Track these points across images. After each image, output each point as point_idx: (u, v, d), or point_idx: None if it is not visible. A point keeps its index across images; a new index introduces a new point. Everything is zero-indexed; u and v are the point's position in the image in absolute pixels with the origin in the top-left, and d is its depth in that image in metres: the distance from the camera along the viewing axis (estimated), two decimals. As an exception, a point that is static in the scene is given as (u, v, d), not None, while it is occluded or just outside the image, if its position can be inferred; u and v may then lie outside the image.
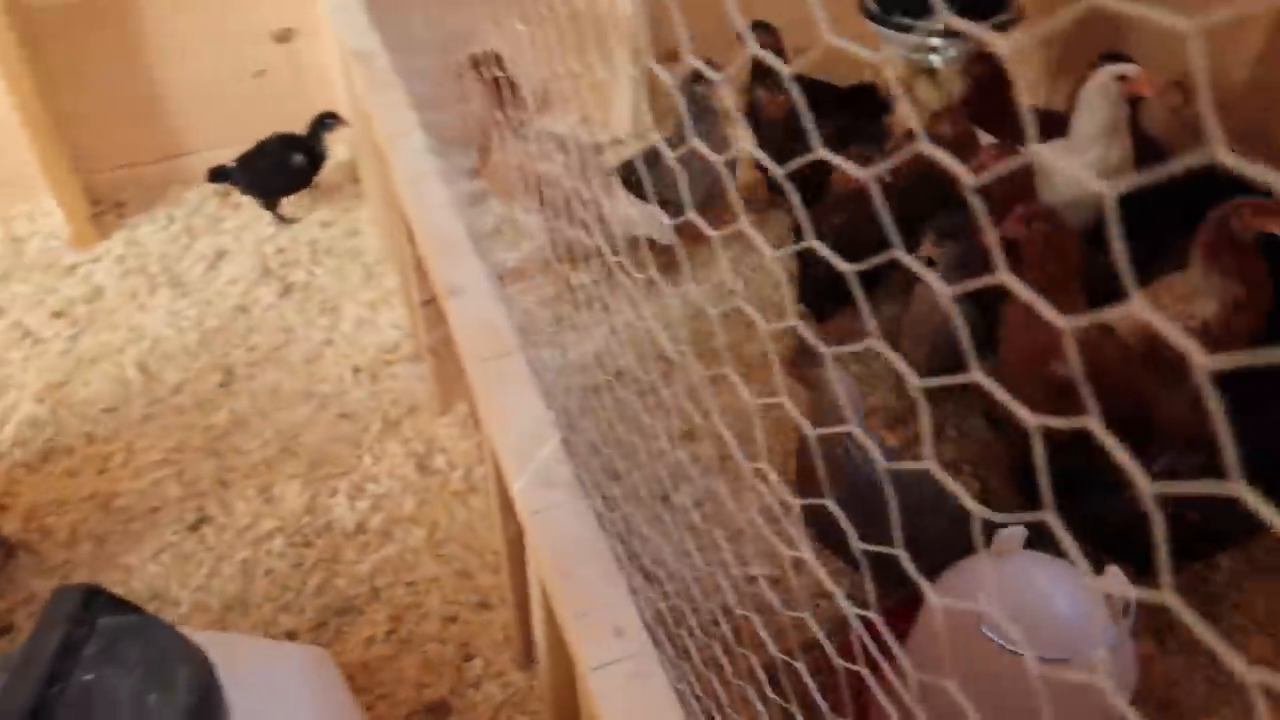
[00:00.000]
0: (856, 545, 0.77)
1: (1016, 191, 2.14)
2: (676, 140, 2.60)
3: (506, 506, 1.61)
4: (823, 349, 0.80)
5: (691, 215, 1.02)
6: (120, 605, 1.08)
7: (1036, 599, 1.44)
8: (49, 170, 2.86)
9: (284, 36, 3.14)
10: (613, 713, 1.09)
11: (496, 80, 2.50)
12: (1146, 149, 2.34)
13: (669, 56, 3.33)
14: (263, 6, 3.07)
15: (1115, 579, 1.40)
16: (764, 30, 2.72)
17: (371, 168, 2.77)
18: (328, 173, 3.16)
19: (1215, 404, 0.49)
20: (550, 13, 1.48)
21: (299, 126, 3.03)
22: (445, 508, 2.20)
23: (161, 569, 2.09)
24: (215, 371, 2.57)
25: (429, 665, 1.91)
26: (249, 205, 3.13)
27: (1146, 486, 0.49)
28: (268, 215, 3.07)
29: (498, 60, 2.47)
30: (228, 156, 3.09)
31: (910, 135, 2.60)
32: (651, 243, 2.50)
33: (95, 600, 1.05)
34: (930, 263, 1.98)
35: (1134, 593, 1.34)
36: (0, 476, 2.29)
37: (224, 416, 2.44)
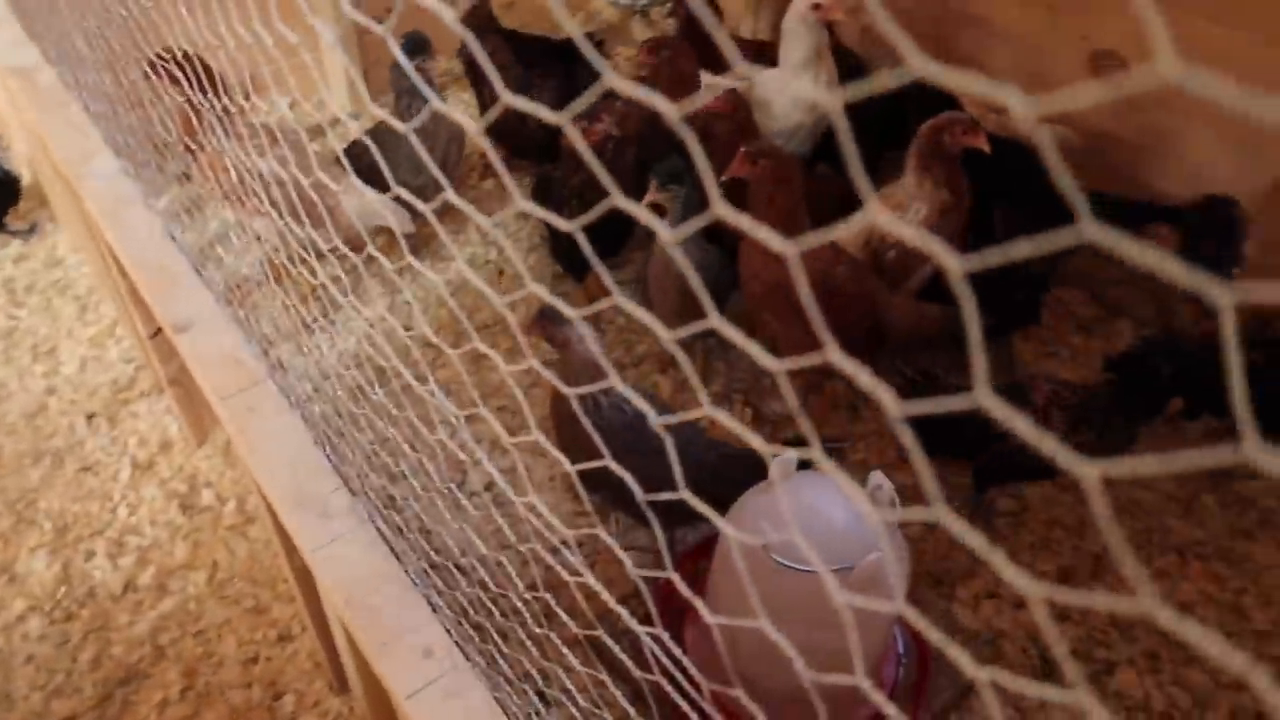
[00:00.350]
0: (641, 499, 0.77)
1: (737, 127, 2.22)
2: (398, 117, 2.49)
3: (286, 538, 1.54)
4: (567, 310, 0.79)
5: (400, 191, 0.94)
6: None
7: (815, 517, 1.54)
8: None
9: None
10: (435, 736, 1.08)
11: (189, 77, 2.29)
12: (851, 69, 2.49)
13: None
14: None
15: (878, 480, 1.52)
16: None
17: (60, 192, 2.48)
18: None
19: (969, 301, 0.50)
20: None
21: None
22: (223, 545, 2.06)
23: (-103, 686, 1.84)
24: (-84, 448, 2.26)
25: (236, 714, 1.81)
26: (-82, 250, 2.73)
27: (894, 408, 0.52)
28: (-56, 258, 2.69)
29: (186, 56, 2.26)
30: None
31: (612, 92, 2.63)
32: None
33: None
34: (659, 209, 2.00)
35: (892, 491, 1.45)
36: None
37: (-62, 498, 2.16)
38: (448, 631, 1.17)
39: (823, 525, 1.53)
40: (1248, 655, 0.29)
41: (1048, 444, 0.34)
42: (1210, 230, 1.89)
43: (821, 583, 1.57)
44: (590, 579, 0.78)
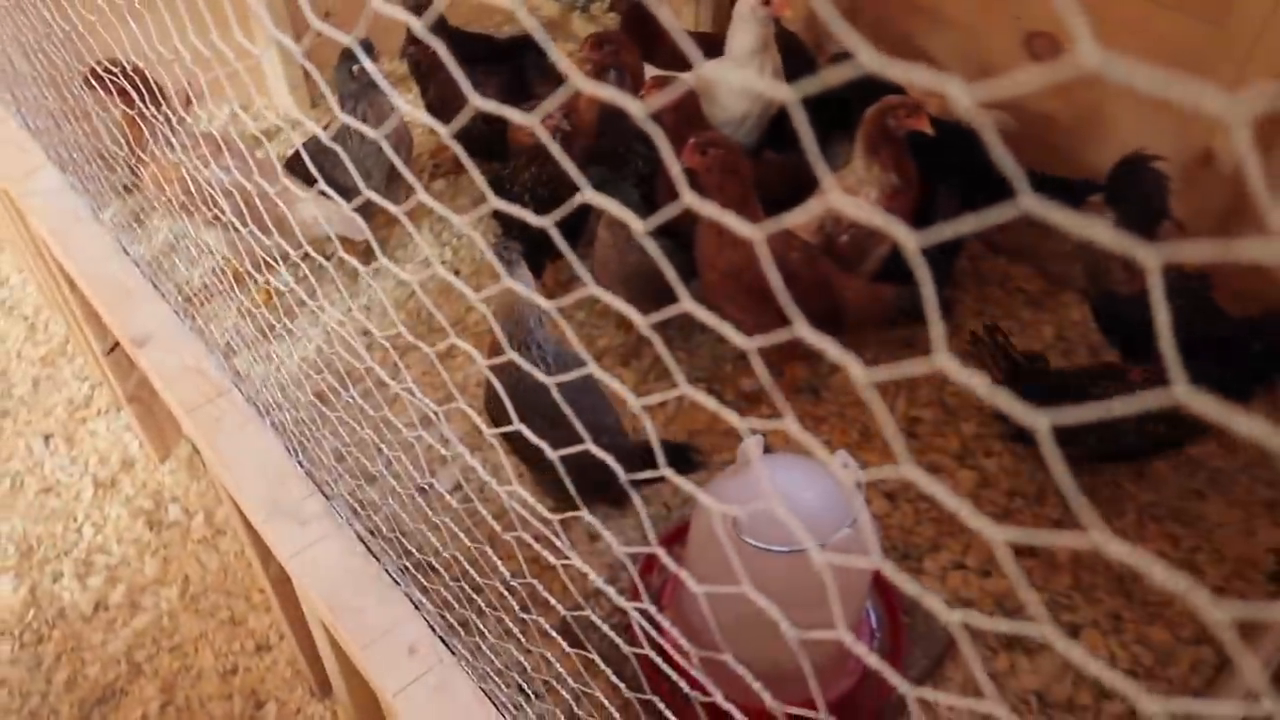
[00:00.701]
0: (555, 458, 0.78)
1: (685, 118, 2.25)
2: (342, 125, 2.48)
3: (263, 548, 1.54)
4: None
5: (369, 194, 0.95)
6: None
7: (785, 498, 1.58)
8: None
9: None
10: (425, 730, 1.10)
11: (132, 88, 2.26)
12: (796, 57, 2.53)
13: (307, 31, 3.14)
14: None
15: (843, 460, 1.56)
16: None
17: (1, 211, 2.44)
18: (-52, 221, 2.75)
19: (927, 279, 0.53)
20: None
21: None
22: (194, 559, 2.05)
23: None
24: None
25: (218, 727, 1.81)
26: None
27: (861, 375, 0.55)
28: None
29: (121, 67, 2.23)
30: None
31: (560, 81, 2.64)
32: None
33: None
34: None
35: (858, 469, 1.50)
36: None
37: (-105, 529, 2.12)
38: (431, 627, 1.19)
39: (793, 505, 1.57)
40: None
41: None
42: (1133, 188, 1.96)
43: (793, 563, 1.61)
44: (576, 559, 0.80)
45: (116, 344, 2.02)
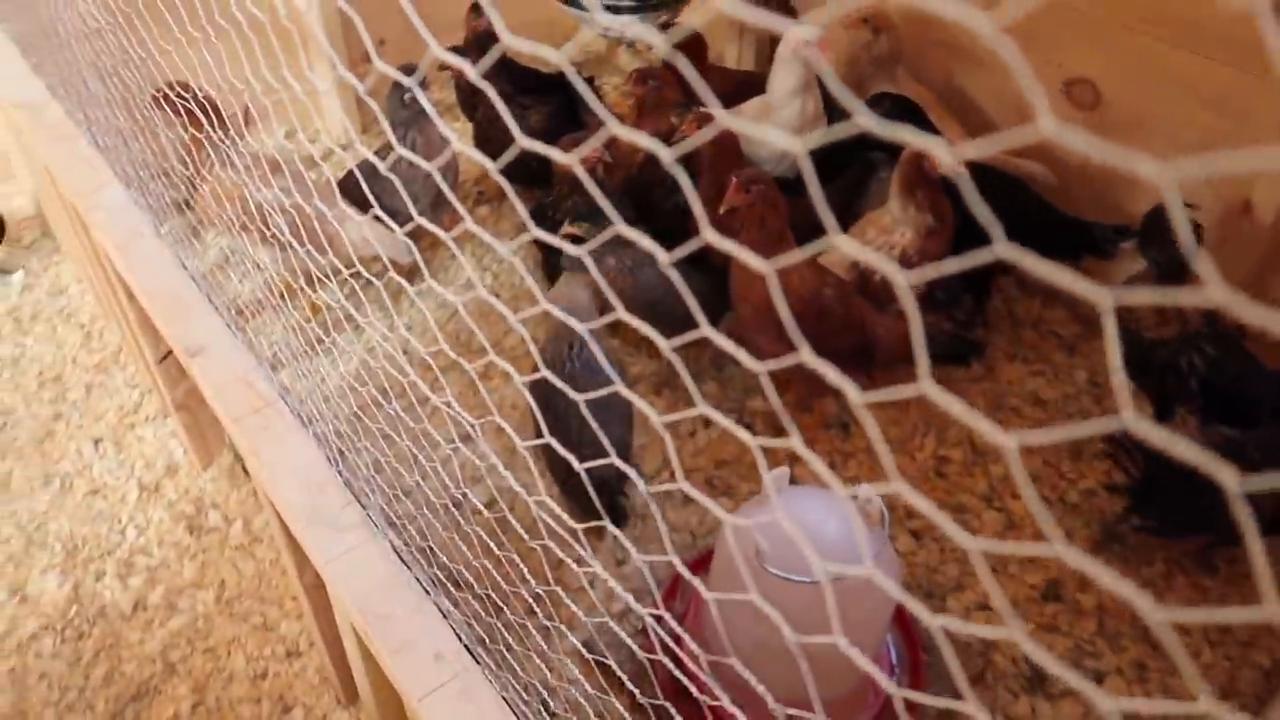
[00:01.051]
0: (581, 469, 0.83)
1: (723, 152, 2.30)
2: (390, 148, 2.56)
3: (299, 555, 1.59)
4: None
5: (420, 220, 1.01)
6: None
7: (807, 529, 1.60)
8: None
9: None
10: (448, 736, 1.13)
11: (189, 109, 2.36)
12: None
13: (367, 60, 3.25)
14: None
15: (867, 493, 1.59)
16: (477, 12, 2.73)
17: (66, 223, 2.54)
18: (12, 230, 2.87)
19: (915, 313, 0.57)
20: (229, 25, 1.43)
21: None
22: (230, 564, 2.11)
23: (-87, 705, 1.89)
24: (-73, 474, 2.31)
25: (246, 729, 1.86)
26: (-76, 280, 2.79)
27: (855, 396, 0.58)
28: (-49, 288, 2.75)
29: (185, 88, 2.33)
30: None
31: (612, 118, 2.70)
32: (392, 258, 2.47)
33: None
34: (576, 240, 2.07)
35: (882, 504, 1.53)
36: None
37: (-50, 522, 2.20)
38: (457, 636, 1.22)
39: (815, 537, 1.60)
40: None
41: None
42: (1165, 236, 1.98)
43: (813, 593, 1.64)
44: (598, 568, 0.84)
45: (168, 353, 2.10)
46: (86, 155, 2.06)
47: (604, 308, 1.95)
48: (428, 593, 1.28)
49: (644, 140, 0.67)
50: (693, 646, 0.82)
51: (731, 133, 2.44)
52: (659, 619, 0.84)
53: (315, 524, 1.35)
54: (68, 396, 2.49)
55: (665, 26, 2.78)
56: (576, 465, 0.77)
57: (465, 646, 1.21)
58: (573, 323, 0.79)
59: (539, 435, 0.90)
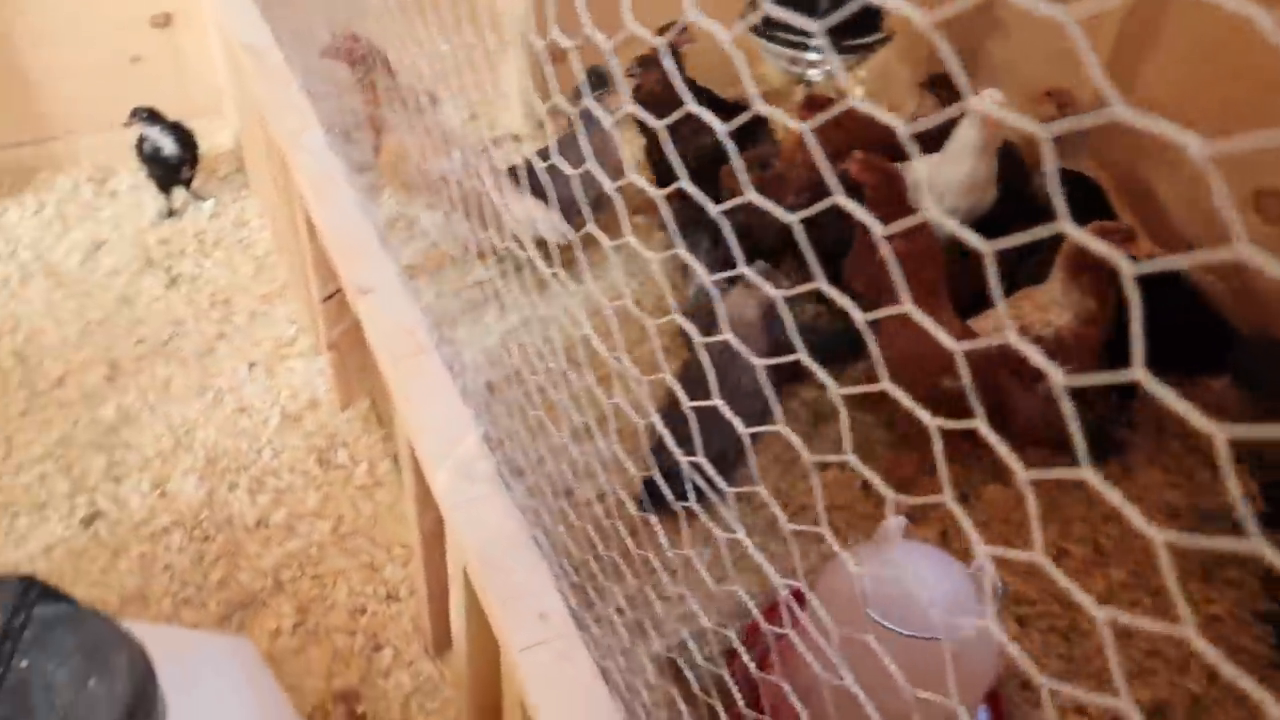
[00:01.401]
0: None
1: (888, 198, 2.31)
2: (568, 141, 2.66)
3: (424, 499, 1.67)
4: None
5: (591, 229, 1.07)
6: (55, 595, 1.10)
7: (915, 583, 1.59)
8: (-92, 152, 2.72)
9: (162, 21, 3.05)
10: (541, 691, 1.18)
11: (367, 65, 2.51)
12: (1010, 161, 2.55)
13: (559, 55, 3.39)
14: (141, -11, 2.98)
15: (982, 562, 1.56)
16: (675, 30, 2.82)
17: (260, 161, 2.73)
18: (211, 162, 3.10)
19: (1068, 408, 0.60)
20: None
21: (176, 113, 2.95)
22: (350, 502, 2.23)
23: (53, 565, 2.05)
24: (100, 364, 2.51)
25: (338, 656, 1.95)
26: (127, 193, 3.04)
27: (1021, 473, 0.61)
28: (148, 205, 2.99)
29: (355, 42, 2.46)
30: (101, 143, 3.01)
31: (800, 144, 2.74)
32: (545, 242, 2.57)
33: (31, 590, 1.06)
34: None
35: (997, 577, 1.50)
36: None
37: (111, 410, 2.39)
38: (565, 601, 1.27)
39: (922, 593, 1.58)
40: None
41: None
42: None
43: (913, 647, 1.62)
44: (685, 591, 0.87)
45: (335, 293, 2.23)
46: (297, 101, 2.22)
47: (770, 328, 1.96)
48: (544, 556, 1.33)
49: (824, 166, 0.71)
50: (774, 680, 0.83)
51: (900, 179, 2.45)
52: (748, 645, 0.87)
53: (448, 468, 1.42)
54: (233, 320, 2.67)
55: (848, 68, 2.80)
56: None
57: (571, 612, 1.26)
58: (744, 350, 0.83)
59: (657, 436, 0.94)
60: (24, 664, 1.00)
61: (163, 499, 2.21)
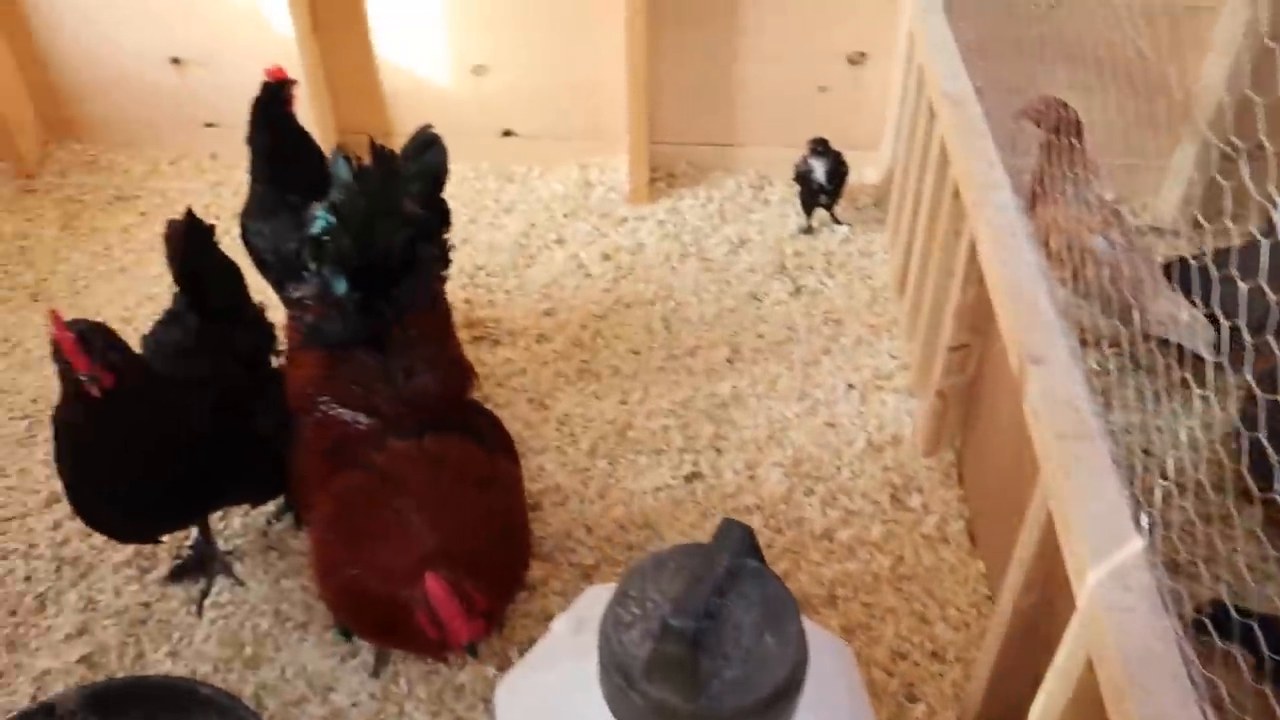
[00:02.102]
0: None
1: None
2: (1251, 251, 2.38)
3: (1030, 583, 1.62)
4: None
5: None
6: (754, 548, 1.23)
7: None
8: (632, 133, 3.27)
9: (856, 59, 3.31)
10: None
11: (1059, 130, 2.46)
12: None
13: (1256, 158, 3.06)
14: (845, 28, 3.26)
15: None
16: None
17: (905, 202, 2.85)
18: (854, 191, 3.31)
19: None
20: (1115, 78, 1.41)
21: (839, 144, 3.16)
22: (913, 547, 2.24)
23: (656, 505, 2.35)
24: (724, 346, 2.81)
25: (872, 690, 1.97)
26: (776, 203, 3.36)
27: None
28: (791, 218, 3.28)
29: (1064, 109, 2.43)
30: (767, 154, 3.38)
31: None
32: (1182, 350, 2.33)
33: (744, 538, 1.20)
34: None
35: None
36: (546, 381, 2.70)
37: (726, 389, 2.67)
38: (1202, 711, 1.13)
39: None
40: None
41: None
42: None
43: None
44: None
45: (963, 345, 2.25)
46: (990, 156, 2.26)
47: None
48: (1195, 688, 1.21)
49: None
50: None
51: None
52: None
53: (1102, 569, 1.35)
54: (840, 340, 2.83)
55: None
56: None
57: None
58: None
59: None
60: (720, 601, 1.13)
61: (751, 481, 2.42)
